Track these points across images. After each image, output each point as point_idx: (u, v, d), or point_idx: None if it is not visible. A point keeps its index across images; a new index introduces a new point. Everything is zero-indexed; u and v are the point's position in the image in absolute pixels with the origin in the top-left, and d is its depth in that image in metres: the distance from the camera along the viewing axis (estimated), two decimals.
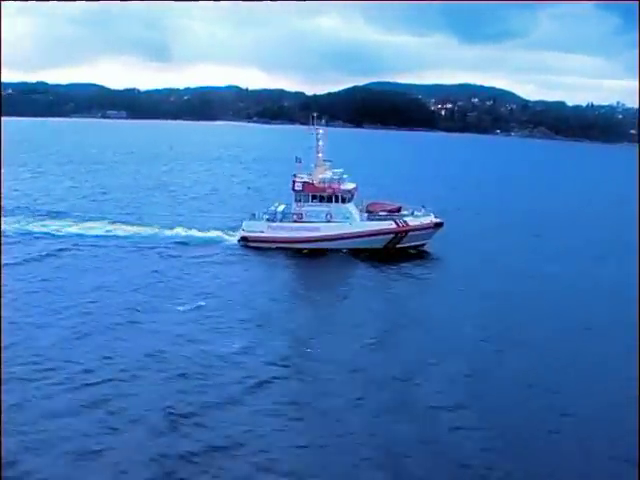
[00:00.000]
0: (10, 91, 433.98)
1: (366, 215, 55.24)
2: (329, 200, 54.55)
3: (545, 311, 39.96)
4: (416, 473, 21.40)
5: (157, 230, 58.60)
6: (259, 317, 36.43)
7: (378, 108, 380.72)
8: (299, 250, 53.65)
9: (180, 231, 58.27)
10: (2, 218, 59.93)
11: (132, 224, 60.99)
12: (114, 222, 61.69)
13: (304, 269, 51.00)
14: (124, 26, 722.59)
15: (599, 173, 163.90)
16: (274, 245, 54.05)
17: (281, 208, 56.64)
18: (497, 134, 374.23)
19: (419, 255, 54.21)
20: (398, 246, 54.23)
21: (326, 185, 54.77)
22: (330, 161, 56.90)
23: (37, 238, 54.46)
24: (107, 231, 58.10)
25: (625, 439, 23.54)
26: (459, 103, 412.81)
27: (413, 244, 54.61)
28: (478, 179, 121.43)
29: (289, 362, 30.16)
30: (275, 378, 28.14)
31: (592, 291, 45.08)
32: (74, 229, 58.56)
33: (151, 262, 48.28)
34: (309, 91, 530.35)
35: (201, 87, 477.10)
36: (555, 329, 36.30)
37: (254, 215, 56.32)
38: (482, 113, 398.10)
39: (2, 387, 26.02)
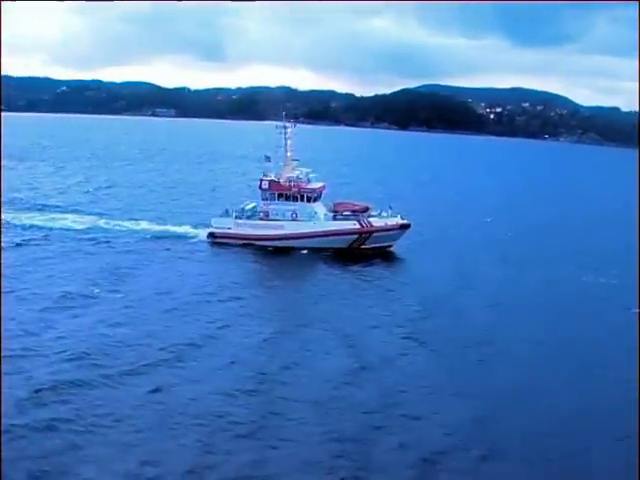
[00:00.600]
0: (64, 88, 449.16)
1: (332, 215, 55.17)
2: (295, 199, 54.71)
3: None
4: None
5: (134, 224, 59.88)
6: (181, 306, 37.31)
7: (424, 111, 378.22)
8: (264, 247, 54.07)
9: (155, 226, 59.40)
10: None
11: (115, 218, 62.35)
12: (97, 215, 63.30)
13: (253, 264, 50.80)
14: (178, 25, 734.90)
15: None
16: (240, 242, 54.53)
17: (251, 206, 57.17)
18: (545, 139, 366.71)
19: (382, 256, 53.61)
20: (363, 247, 53.90)
21: (292, 184, 54.91)
22: (297, 160, 57.04)
23: (10, 228, 56.29)
24: (82, 224, 59.40)
25: None
26: (508, 107, 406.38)
27: (379, 245, 54.09)
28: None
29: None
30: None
31: None
32: (51, 221, 60.12)
33: (109, 255, 49.36)
34: (359, 92, 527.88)
35: (252, 87, 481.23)
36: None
37: (227, 212, 56.97)
38: (531, 117, 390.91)
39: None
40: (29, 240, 52.35)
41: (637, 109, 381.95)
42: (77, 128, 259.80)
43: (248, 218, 55.81)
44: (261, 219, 55.39)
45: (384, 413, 25.66)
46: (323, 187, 56.54)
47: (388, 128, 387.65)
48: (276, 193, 55.07)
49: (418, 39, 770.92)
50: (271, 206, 55.21)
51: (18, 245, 50.72)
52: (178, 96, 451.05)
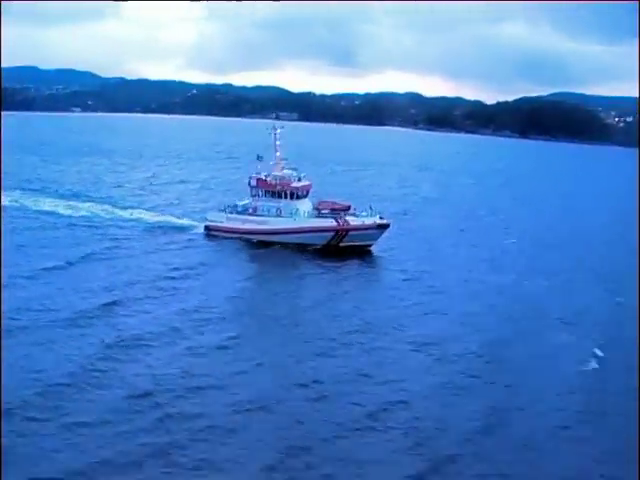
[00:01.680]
0: (194, 91, 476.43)
1: (315, 212, 56.95)
2: (280, 196, 57.10)
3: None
4: None
5: (142, 215, 64.94)
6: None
7: (547, 118, 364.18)
8: (249, 240, 56.95)
9: (160, 218, 63.99)
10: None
11: (133, 209, 67.85)
12: (119, 207, 68.79)
13: (227, 253, 53.87)
14: (310, 31, 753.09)
15: None
16: (229, 235, 57.72)
17: (245, 202, 60.21)
18: None
19: (358, 254, 54.52)
20: (342, 244, 55.17)
21: (277, 182, 57.32)
22: (286, 159, 59.27)
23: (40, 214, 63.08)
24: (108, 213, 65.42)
25: None
26: None
27: (357, 244, 54.96)
28: None
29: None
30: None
31: None
32: (74, 210, 66.40)
33: (107, 241, 54.20)
34: (487, 100, 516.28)
35: (381, 93, 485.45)
36: None
37: (223, 207, 60.51)
38: None
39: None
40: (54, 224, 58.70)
41: None
42: (204, 129, 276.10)
43: (239, 213, 58.86)
44: (250, 214, 58.26)
45: None
46: (309, 186, 58.45)
47: (510, 136, 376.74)
48: (263, 190, 57.76)
49: (550, 44, 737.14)
50: (259, 203, 57.97)
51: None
52: (303, 100, 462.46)
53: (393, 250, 56.38)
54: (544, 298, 44.66)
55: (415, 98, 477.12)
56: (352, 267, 51.24)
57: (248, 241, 56.73)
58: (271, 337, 35.14)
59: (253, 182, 58.12)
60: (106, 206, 68.61)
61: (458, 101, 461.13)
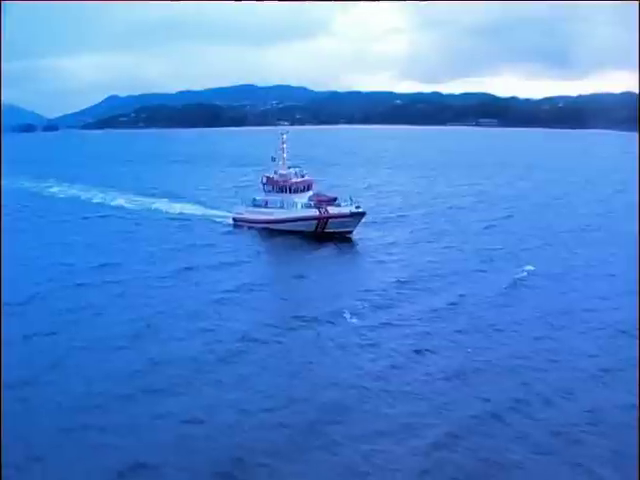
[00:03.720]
0: (398, 102, 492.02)
1: (309, 204, 66.32)
2: (282, 191, 67.57)
3: None
4: None
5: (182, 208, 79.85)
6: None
7: None
8: (261, 229, 68.11)
9: (196, 210, 78.03)
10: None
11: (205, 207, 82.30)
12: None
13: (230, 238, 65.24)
14: (523, 35, 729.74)
15: None
16: (247, 224, 69.54)
17: (262, 197, 71.43)
18: None
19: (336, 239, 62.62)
20: (326, 230, 64.03)
21: (281, 179, 67.88)
22: (289, 160, 69.34)
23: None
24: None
25: None
26: None
27: (338, 230, 63.28)
28: None
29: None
30: None
31: None
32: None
33: (147, 229, 69.16)
34: None
35: (592, 95, 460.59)
36: None
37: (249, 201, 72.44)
38: None
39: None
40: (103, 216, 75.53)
41: None
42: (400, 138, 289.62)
43: (255, 206, 70.24)
44: (262, 207, 69.43)
45: None
46: (309, 181, 68.03)
47: None
48: (271, 186, 68.69)
49: None
50: (268, 197, 68.98)
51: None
52: (506, 106, 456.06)
53: None
54: None
55: (630, 98, 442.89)
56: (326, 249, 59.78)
57: (263, 229, 67.48)
58: None
59: (264, 180, 69.31)
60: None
61: None
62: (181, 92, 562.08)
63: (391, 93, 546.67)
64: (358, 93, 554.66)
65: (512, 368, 30.33)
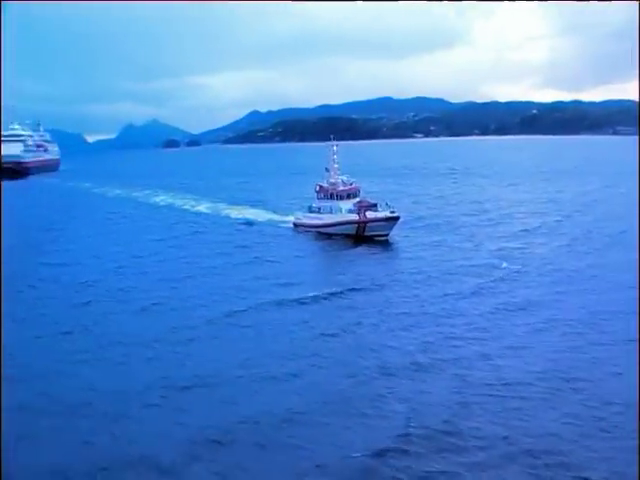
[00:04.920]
0: (534, 111, 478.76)
1: (354, 209, 73.13)
2: (331, 197, 75.04)
3: None
4: None
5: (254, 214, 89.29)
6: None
7: None
8: (314, 232, 76.00)
9: (264, 214, 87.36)
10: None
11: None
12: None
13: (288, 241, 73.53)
14: None
15: None
16: (304, 229, 77.71)
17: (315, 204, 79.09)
18: None
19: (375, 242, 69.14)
20: (365, 234, 70.62)
21: (330, 187, 75.37)
22: (339, 170, 76.48)
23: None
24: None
25: None
26: None
27: (375, 233, 69.68)
28: None
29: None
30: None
31: None
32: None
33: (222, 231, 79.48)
34: None
35: None
36: None
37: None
38: None
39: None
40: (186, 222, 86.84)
41: None
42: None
43: (311, 212, 78.16)
44: (316, 213, 77.22)
45: None
46: (354, 188, 74.74)
47: None
48: (323, 194, 76.39)
49: None
50: (321, 204, 76.70)
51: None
52: None
53: None
54: None
55: None
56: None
57: (315, 233, 75.25)
58: None
59: (317, 188, 77.09)
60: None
61: None
62: (319, 106, 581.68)
63: (529, 102, 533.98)
64: (496, 103, 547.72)
65: None
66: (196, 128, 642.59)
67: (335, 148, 76.94)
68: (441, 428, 23.99)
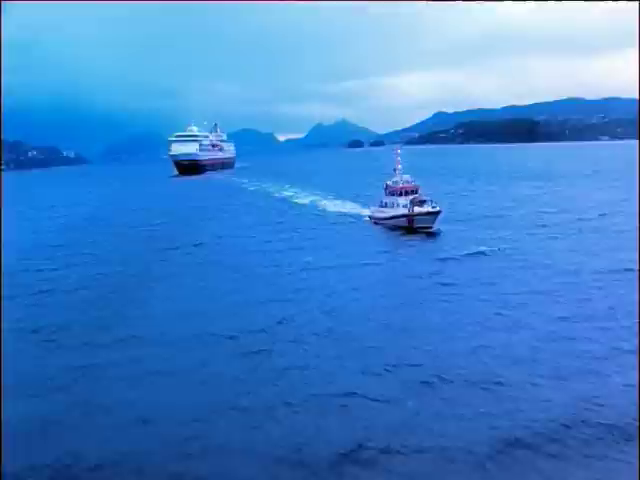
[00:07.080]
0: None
1: (409, 204, 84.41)
2: (393, 194, 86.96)
3: None
4: None
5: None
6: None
7: None
8: (382, 225, 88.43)
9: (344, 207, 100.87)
10: None
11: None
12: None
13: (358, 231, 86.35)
14: None
15: None
16: (374, 221, 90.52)
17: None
18: None
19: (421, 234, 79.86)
20: (415, 226, 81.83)
21: (393, 185, 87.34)
22: (400, 170, 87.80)
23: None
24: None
25: None
26: None
27: (421, 225, 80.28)
28: None
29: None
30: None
31: None
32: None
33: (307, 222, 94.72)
34: None
35: None
36: None
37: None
38: None
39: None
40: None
41: None
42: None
43: (380, 207, 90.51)
44: (382, 207, 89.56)
45: None
46: (412, 186, 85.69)
47: None
48: (387, 191, 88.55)
49: None
50: (386, 199, 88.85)
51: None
52: None
53: None
54: None
55: None
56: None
57: (382, 225, 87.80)
58: None
59: (384, 185, 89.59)
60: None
61: None
62: (505, 107, 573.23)
63: None
64: None
65: None
66: (383, 128, 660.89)
67: (399, 151, 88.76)
68: None
